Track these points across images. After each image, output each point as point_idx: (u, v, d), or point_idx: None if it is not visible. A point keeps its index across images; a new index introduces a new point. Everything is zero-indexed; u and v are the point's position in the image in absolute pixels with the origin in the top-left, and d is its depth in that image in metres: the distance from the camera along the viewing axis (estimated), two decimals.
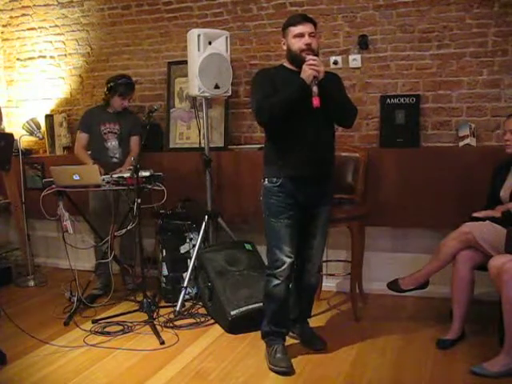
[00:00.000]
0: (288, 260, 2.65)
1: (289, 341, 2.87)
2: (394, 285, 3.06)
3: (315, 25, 2.62)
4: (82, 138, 3.85)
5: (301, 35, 2.55)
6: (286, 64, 2.68)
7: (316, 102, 2.42)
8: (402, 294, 3.07)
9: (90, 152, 3.87)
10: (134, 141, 3.81)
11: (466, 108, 3.54)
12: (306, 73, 2.45)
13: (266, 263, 2.81)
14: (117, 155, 3.82)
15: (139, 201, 3.24)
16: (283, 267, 2.65)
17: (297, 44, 2.55)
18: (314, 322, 3.13)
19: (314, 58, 2.48)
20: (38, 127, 4.51)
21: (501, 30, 3.39)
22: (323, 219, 2.77)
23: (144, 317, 3.30)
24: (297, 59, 2.56)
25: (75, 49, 4.63)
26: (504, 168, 3.00)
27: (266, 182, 2.70)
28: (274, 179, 2.66)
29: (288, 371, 2.62)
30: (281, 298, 2.70)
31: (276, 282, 2.67)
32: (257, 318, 3.02)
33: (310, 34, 2.55)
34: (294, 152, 2.60)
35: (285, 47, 2.65)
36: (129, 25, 4.38)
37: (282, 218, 2.65)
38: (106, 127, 3.80)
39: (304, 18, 2.60)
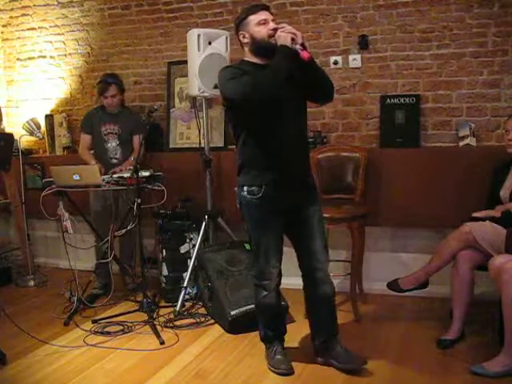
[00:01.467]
0: (275, 271, 2.59)
1: (287, 342, 2.87)
2: (393, 285, 3.05)
3: (271, 13, 2.50)
4: (85, 138, 3.87)
5: (265, 21, 2.41)
6: (249, 58, 2.50)
7: (305, 54, 2.32)
8: (402, 293, 3.06)
9: (92, 152, 3.89)
10: (136, 140, 3.80)
11: (466, 108, 3.54)
12: (282, 37, 2.33)
13: (253, 272, 2.69)
14: (116, 156, 3.83)
15: (139, 201, 3.24)
16: (269, 280, 2.59)
17: (263, 30, 2.40)
18: None
19: (284, 25, 2.38)
20: (38, 127, 4.52)
21: (501, 30, 3.39)
22: (316, 219, 2.59)
23: (144, 317, 3.30)
24: (266, 47, 2.40)
25: (75, 49, 4.63)
26: (504, 168, 3.00)
27: (245, 193, 2.52)
28: (255, 189, 2.48)
29: (288, 373, 2.61)
30: (272, 307, 2.66)
31: (265, 293, 2.62)
32: (257, 318, 3.02)
33: (273, 21, 2.44)
34: (274, 152, 2.46)
35: (246, 40, 2.46)
36: (129, 25, 4.38)
37: (268, 231, 2.53)
38: (106, 128, 3.81)
39: (261, 6, 2.50)
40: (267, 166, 2.48)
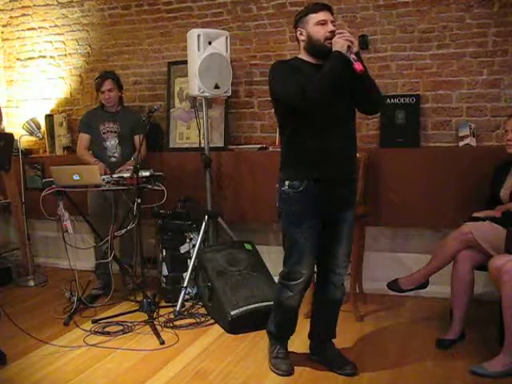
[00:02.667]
0: (307, 273, 2.48)
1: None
2: (393, 285, 3.05)
3: (333, 13, 2.43)
4: (84, 138, 3.86)
5: (324, 22, 2.34)
6: (303, 56, 2.44)
7: (359, 66, 2.23)
8: (402, 293, 3.07)
9: (90, 152, 3.88)
10: (137, 140, 3.78)
11: (466, 108, 3.54)
12: (339, 43, 2.26)
13: (281, 269, 2.58)
14: (115, 154, 3.82)
15: (139, 201, 3.24)
16: (300, 280, 2.48)
17: (321, 31, 2.33)
18: None
19: (343, 31, 2.32)
20: (38, 127, 4.52)
21: (501, 30, 3.39)
22: (348, 224, 2.53)
23: (144, 317, 3.30)
24: (320, 49, 2.34)
25: (75, 49, 4.63)
26: (504, 168, 3.00)
27: (286, 187, 2.45)
28: (297, 183, 2.42)
29: (287, 374, 2.61)
30: (292, 310, 2.59)
31: (289, 293, 2.52)
32: (257, 318, 3.03)
33: (332, 22, 2.36)
34: (323, 148, 2.38)
35: (302, 37, 2.40)
36: (129, 25, 4.38)
37: (305, 228, 2.43)
38: (105, 127, 3.81)
39: (324, 5, 2.39)
40: (311, 163, 2.41)
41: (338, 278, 2.59)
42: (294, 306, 2.59)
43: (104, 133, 3.81)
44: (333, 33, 2.32)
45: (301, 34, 2.41)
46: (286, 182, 2.45)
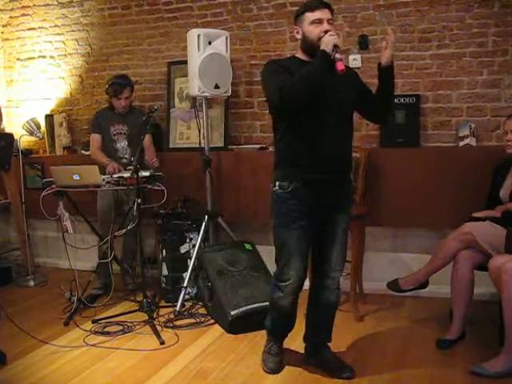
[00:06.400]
0: (295, 275, 2.44)
1: (288, 342, 2.86)
2: (393, 285, 3.05)
3: (332, 11, 2.37)
4: (96, 138, 3.84)
5: (319, 21, 2.30)
6: (299, 55, 2.43)
7: (340, 66, 2.19)
8: (402, 293, 3.07)
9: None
10: (145, 140, 3.70)
11: (466, 108, 3.54)
12: (325, 42, 2.22)
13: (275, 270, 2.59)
14: (126, 156, 3.83)
15: (139, 201, 3.24)
16: (289, 282, 2.46)
17: (315, 31, 2.30)
18: None
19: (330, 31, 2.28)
20: (38, 127, 4.51)
21: (501, 30, 3.39)
22: (341, 228, 2.50)
23: (144, 317, 3.30)
24: (314, 48, 2.29)
25: (75, 49, 4.63)
26: (504, 168, 3.00)
27: (277, 188, 2.45)
28: (286, 184, 2.41)
29: (272, 373, 2.62)
30: (284, 310, 2.56)
31: (280, 294, 2.51)
32: (257, 318, 3.02)
33: (328, 21, 2.31)
34: (311, 151, 2.37)
35: (299, 36, 2.39)
36: (129, 25, 4.39)
37: (293, 229, 2.42)
38: (116, 128, 3.81)
39: (322, 3, 2.33)
40: (302, 165, 2.39)
41: (332, 282, 2.55)
42: (287, 307, 2.54)
43: (114, 134, 3.81)
44: (327, 32, 2.28)
45: (297, 32, 2.40)
46: (277, 183, 2.46)
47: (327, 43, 2.22)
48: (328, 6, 2.35)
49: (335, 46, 2.22)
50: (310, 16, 2.32)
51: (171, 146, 4.25)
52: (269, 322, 2.72)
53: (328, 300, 2.59)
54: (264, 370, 2.65)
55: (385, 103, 2.49)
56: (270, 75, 2.36)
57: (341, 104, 2.40)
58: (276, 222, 2.49)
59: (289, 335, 2.77)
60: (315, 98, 2.28)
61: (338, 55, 2.22)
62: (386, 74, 2.40)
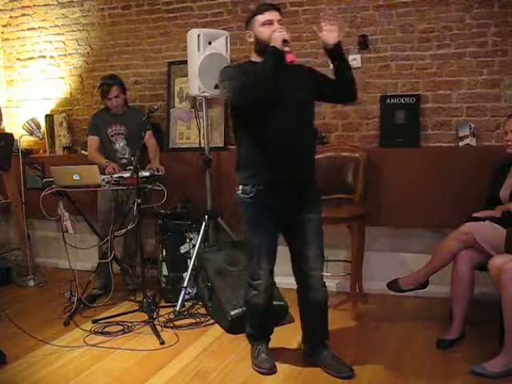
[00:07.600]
0: (264, 274, 2.56)
1: (288, 342, 2.86)
2: (393, 285, 3.05)
3: (281, 13, 2.47)
4: (93, 141, 3.84)
5: (269, 22, 2.40)
6: (254, 58, 2.50)
7: (290, 57, 2.31)
8: (402, 293, 3.07)
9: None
10: (147, 137, 3.71)
11: (466, 108, 3.54)
12: (274, 39, 2.32)
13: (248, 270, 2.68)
14: (125, 156, 3.84)
15: (139, 201, 3.24)
16: (259, 281, 2.57)
17: (265, 31, 2.39)
18: None
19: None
20: (38, 127, 4.52)
21: (501, 30, 3.39)
22: (312, 228, 2.53)
23: (144, 317, 3.30)
24: (267, 48, 2.36)
25: (75, 49, 4.63)
26: (504, 168, 3.00)
27: (240, 192, 2.53)
28: (248, 188, 2.49)
29: (269, 372, 2.62)
30: (259, 308, 2.65)
31: (254, 292, 2.61)
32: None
33: (278, 22, 2.41)
34: (270, 153, 2.43)
35: (251, 39, 2.47)
36: (129, 25, 4.39)
37: (260, 232, 2.51)
38: (113, 129, 3.82)
39: (270, 5, 2.46)
40: (262, 167, 2.46)
41: (314, 281, 2.58)
42: (261, 304, 2.63)
43: (112, 135, 3.81)
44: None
45: (249, 36, 2.49)
46: (240, 187, 2.54)
47: (276, 39, 2.32)
48: (277, 9, 2.47)
49: (284, 41, 2.32)
50: (260, 18, 2.43)
51: (171, 146, 4.25)
52: (249, 327, 2.77)
53: (316, 299, 2.62)
54: (261, 372, 2.63)
55: (345, 80, 2.51)
56: (227, 79, 2.43)
57: (294, 101, 2.44)
58: (244, 225, 2.58)
59: (271, 338, 2.79)
60: (270, 96, 2.35)
61: (287, 48, 2.33)
62: (336, 53, 2.45)
